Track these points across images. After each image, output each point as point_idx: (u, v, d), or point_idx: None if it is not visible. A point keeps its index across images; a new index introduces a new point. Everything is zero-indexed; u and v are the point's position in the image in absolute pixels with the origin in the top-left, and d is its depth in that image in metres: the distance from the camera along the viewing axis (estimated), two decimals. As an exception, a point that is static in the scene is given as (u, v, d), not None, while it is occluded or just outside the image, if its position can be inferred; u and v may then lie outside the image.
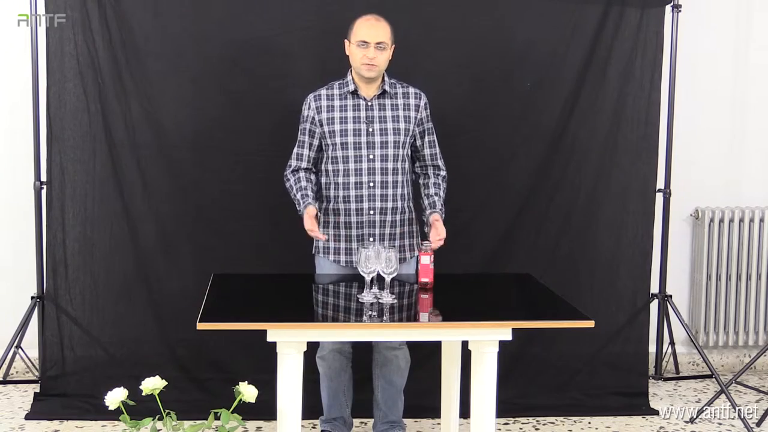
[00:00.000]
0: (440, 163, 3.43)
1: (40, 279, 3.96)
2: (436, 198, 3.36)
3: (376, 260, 2.86)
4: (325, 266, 3.37)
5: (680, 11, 4.14)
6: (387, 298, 2.88)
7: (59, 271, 3.90)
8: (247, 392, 2.62)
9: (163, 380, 2.64)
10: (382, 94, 3.30)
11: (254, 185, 3.92)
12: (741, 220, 4.53)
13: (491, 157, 4.00)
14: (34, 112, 3.92)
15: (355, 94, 3.29)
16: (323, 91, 3.33)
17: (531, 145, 4.05)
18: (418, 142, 3.37)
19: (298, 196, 3.29)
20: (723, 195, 4.57)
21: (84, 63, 3.81)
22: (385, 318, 2.76)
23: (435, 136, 3.41)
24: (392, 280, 2.91)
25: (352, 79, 3.29)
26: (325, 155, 3.33)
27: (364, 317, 2.77)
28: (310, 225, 3.16)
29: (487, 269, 3.99)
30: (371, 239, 3.27)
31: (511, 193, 4.06)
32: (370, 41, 3.17)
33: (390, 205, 3.27)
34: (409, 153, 3.37)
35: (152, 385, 2.63)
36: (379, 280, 2.92)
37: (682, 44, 4.21)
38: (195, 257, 3.93)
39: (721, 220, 4.51)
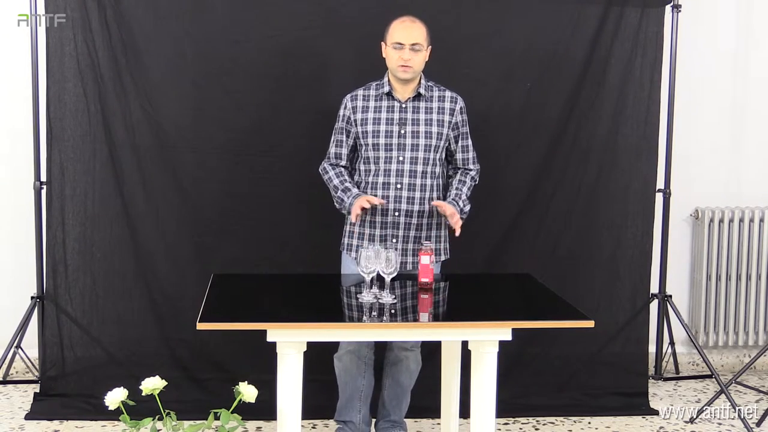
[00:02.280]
0: (472, 167, 3.44)
1: (40, 279, 3.96)
2: (454, 192, 3.35)
3: (376, 260, 2.86)
4: (348, 263, 3.38)
5: (680, 11, 4.14)
6: (387, 298, 2.88)
7: (59, 271, 3.90)
8: (247, 392, 2.62)
9: (163, 380, 2.64)
10: (417, 96, 3.31)
11: (255, 185, 3.91)
12: (741, 220, 4.53)
13: (491, 157, 3.99)
14: (34, 112, 3.92)
15: (390, 95, 3.31)
16: (360, 92, 3.36)
17: (531, 145, 4.05)
18: (452, 147, 3.38)
19: (341, 186, 3.32)
20: (723, 195, 4.57)
21: (84, 63, 3.81)
22: (385, 318, 2.77)
23: (470, 141, 3.42)
24: (394, 280, 2.92)
25: (389, 80, 3.31)
26: (359, 155, 3.37)
27: (364, 317, 2.78)
28: (357, 207, 3.19)
29: (487, 269, 3.99)
30: (394, 240, 3.28)
31: (511, 193, 4.06)
32: (405, 43, 3.19)
33: (416, 207, 3.27)
34: (443, 157, 3.37)
35: (152, 385, 2.63)
36: (379, 279, 2.92)
37: (682, 44, 4.21)
38: (195, 257, 3.93)
39: (721, 220, 4.51)
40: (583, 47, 4.01)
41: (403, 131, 3.27)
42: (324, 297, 3.15)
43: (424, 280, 3.04)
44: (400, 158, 3.26)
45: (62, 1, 3.77)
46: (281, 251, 3.93)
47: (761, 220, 4.53)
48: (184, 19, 3.83)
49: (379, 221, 3.29)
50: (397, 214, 3.27)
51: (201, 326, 2.61)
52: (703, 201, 4.55)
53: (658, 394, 4.26)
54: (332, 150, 3.40)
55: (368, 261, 2.87)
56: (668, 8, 4.10)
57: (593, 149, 4.09)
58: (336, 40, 3.87)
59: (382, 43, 3.29)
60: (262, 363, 3.40)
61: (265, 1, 3.86)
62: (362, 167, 3.34)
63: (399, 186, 3.26)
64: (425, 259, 3.04)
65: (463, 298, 3.14)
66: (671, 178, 4.27)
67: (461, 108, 3.36)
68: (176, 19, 3.82)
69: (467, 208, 3.36)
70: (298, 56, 3.87)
